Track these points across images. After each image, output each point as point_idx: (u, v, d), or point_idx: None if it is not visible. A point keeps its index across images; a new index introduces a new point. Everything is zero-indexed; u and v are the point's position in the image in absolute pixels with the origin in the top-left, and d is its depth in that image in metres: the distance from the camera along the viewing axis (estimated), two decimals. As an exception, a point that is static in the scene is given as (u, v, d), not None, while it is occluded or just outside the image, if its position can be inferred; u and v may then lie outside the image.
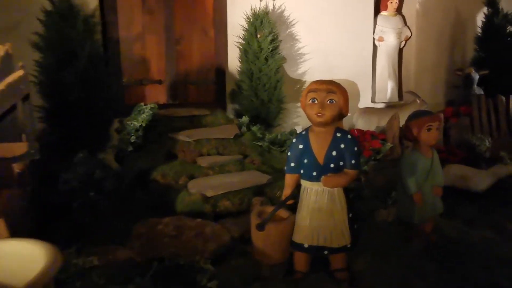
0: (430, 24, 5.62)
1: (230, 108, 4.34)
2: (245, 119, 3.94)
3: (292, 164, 2.08)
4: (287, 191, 2.10)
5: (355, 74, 5.10)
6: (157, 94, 4.05)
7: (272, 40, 4.15)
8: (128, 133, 3.53)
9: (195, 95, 4.21)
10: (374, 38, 5.24)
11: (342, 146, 1.97)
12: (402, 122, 3.56)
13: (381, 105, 5.22)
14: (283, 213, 2.16)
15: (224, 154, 3.48)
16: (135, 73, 3.91)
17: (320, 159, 1.98)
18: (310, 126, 2.07)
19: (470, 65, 5.63)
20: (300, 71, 4.71)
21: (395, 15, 5.35)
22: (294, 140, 2.08)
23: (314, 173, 1.99)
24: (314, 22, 4.75)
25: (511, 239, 2.60)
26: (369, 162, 3.57)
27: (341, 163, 1.99)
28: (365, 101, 5.20)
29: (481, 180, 3.35)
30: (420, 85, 5.49)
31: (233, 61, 4.28)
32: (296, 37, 4.69)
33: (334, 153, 1.97)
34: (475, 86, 5.16)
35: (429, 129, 2.37)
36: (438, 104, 5.70)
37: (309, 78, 4.59)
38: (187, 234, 2.25)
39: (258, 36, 4.12)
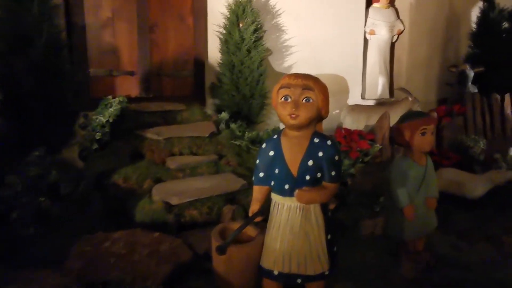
0: (423, 18, 5.23)
1: (210, 103, 3.92)
2: (224, 115, 3.53)
3: (261, 174, 1.69)
4: (254, 206, 1.71)
5: (345, 69, 4.71)
6: (129, 87, 3.61)
7: (255, 30, 3.72)
8: (93, 129, 3.11)
9: (170, 88, 3.78)
10: (365, 31, 4.83)
11: (320, 154, 1.58)
12: (393, 121, 3.19)
13: (371, 102, 4.84)
14: (251, 231, 1.78)
15: (198, 154, 3.08)
16: (103, 63, 3.46)
17: (294, 169, 1.59)
18: (283, 129, 1.68)
19: (465, 61, 5.26)
20: (286, 64, 4.30)
21: (388, 7, 4.94)
22: (263, 146, 1.69)
23: (287, 186, 1.60)
24: (301, 13, 4.34)
25: (510, 257, 2.24)
26: (356, 165, 3.19)
27: (319, 175, 1.60)
28: (354, 98, 4.82)
29: (476, 186, 3.00)
30: (412, 82, 5.11)
31: (214, 52, 3.85)
32: (282, 28, 4.27)
33: (310, 162, 1.58)
34: (470, 84, 4.79)
35: (423, 133, 1.99)
36: (430, 102, 5.33)
37: (296, 72, 4.17)
38: (140, 253, 1.86)
39: (240, 25, 3.70)
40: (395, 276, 1.97)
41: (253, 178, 1.73)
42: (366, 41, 4.89)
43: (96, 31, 3.41)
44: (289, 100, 1.55)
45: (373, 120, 3.79)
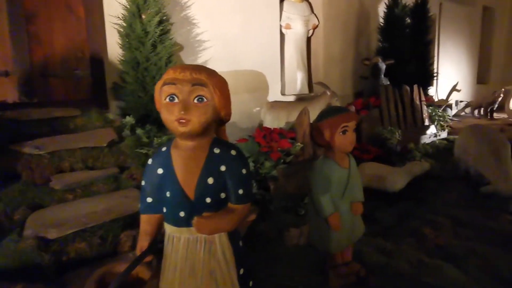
0: (336, 13, 5.18)
1: (114, 106, 3.33)
2: (128, 119, 2.98)
3: (149, 200, 1.25)
4: (143, 242, 1.27)
5: (263, 64, 4.42)
6: (3, 90, 2.86)
7: (160, 22, 3.22)
8: None
9: (61, 91, 3.10)
10: (281, 26, 4.59)
11: (223, 168, 1.19)
12: (313, 116, 2.96)
13: (292, 98, 4.63)
14: (143, 273, 1.33)
15: (95, 168, 2.52)
16: (-36, 62, 2.69)
17: (190, 191, 1.18)
18: (173, 139, 1.25)
19: (376, 55, 5.33)
20: (200, 60, 3.86)
21: (302, 1, 4.77)
22: (149, 162, 1.25)
23: (182, 214, 1.19)
24: (213, 5, 3.93)
25: (435, 255, 2.10)
26: (278, 166, 2.90)
27: (223, 195, 1.21)
28: (274, 94, 4.56)
29: (397, 179, 2.90)
30: (329, 76, 5.03)
31: (114, 48, 3.26)
32: (193, 21, 3.82)
33: (210, 180, 1.18)
34: (382, 76, 4.84)
35: (344, 132, 1.71)
36: (347, 96, 5.32)
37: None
38: (-13, 321, 1.30)
39: (142, 16, 3.16)
40: (323, 296, 1.68)
41: (139, 206, 1.28)
42: (282, 36, 4.66)
43: None
44: (176, 100, 1.13)
45: (293, 117, 3.54)
